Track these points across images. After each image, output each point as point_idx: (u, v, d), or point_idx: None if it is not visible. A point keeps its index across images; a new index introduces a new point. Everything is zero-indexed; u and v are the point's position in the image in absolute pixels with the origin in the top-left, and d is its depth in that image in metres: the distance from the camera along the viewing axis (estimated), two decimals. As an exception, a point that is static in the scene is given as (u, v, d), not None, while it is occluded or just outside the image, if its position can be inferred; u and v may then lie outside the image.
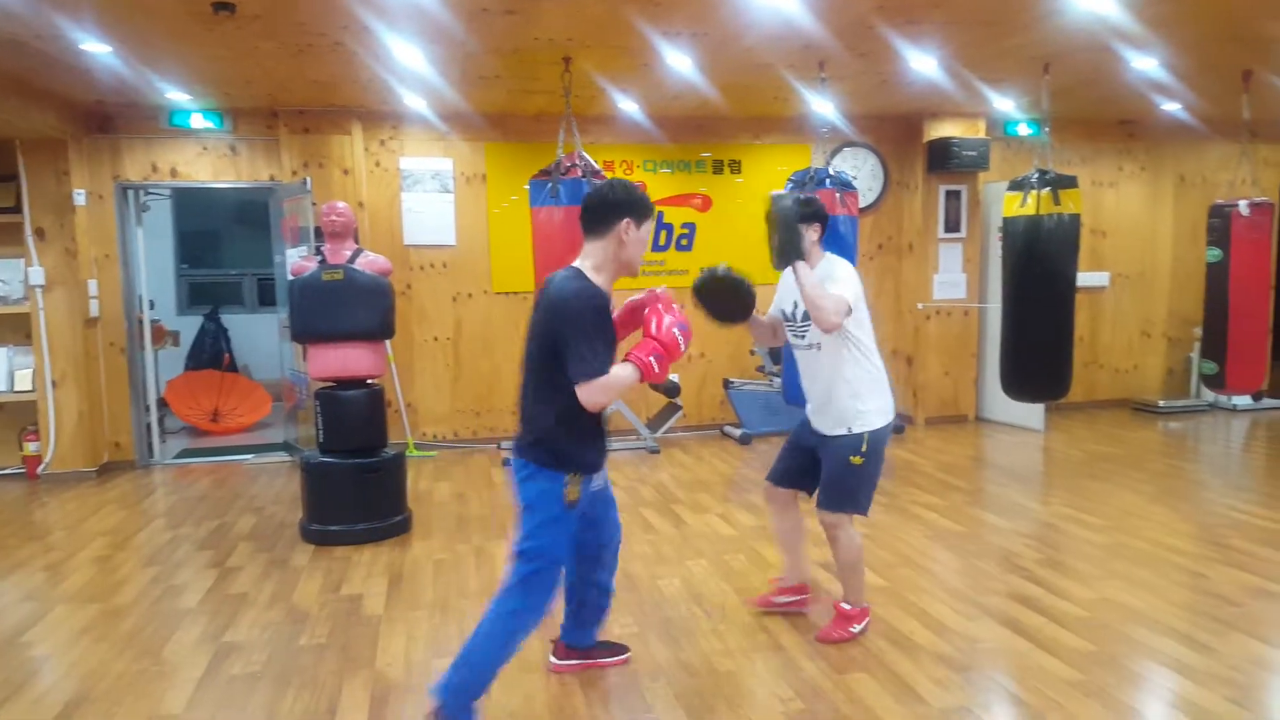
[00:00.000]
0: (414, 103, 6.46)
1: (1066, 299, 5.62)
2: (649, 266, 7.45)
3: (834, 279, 3.24)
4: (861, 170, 7.70)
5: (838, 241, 5.36)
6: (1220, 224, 6.00)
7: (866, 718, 2.85)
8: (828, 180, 5.35)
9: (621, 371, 2.64)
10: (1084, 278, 8.15)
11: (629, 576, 4.17)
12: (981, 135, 7.42)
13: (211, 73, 5.47)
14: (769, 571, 4.19)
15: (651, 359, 2.64)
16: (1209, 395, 8.17)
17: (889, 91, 6.42)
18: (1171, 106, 7.20)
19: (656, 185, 7.38)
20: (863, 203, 7.69)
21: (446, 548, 4.66)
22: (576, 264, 2.76)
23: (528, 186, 5.42)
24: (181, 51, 4.97)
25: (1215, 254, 6.11)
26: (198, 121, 6.55)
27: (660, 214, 7.42)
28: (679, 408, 7.26)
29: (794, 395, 5.75)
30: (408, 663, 3.32)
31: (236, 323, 9.81)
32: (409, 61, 5.18)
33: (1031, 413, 7.39)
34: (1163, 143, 8.16)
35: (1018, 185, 5.66)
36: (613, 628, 3.57)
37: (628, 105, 6.71)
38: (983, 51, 5.26)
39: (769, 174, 7.42)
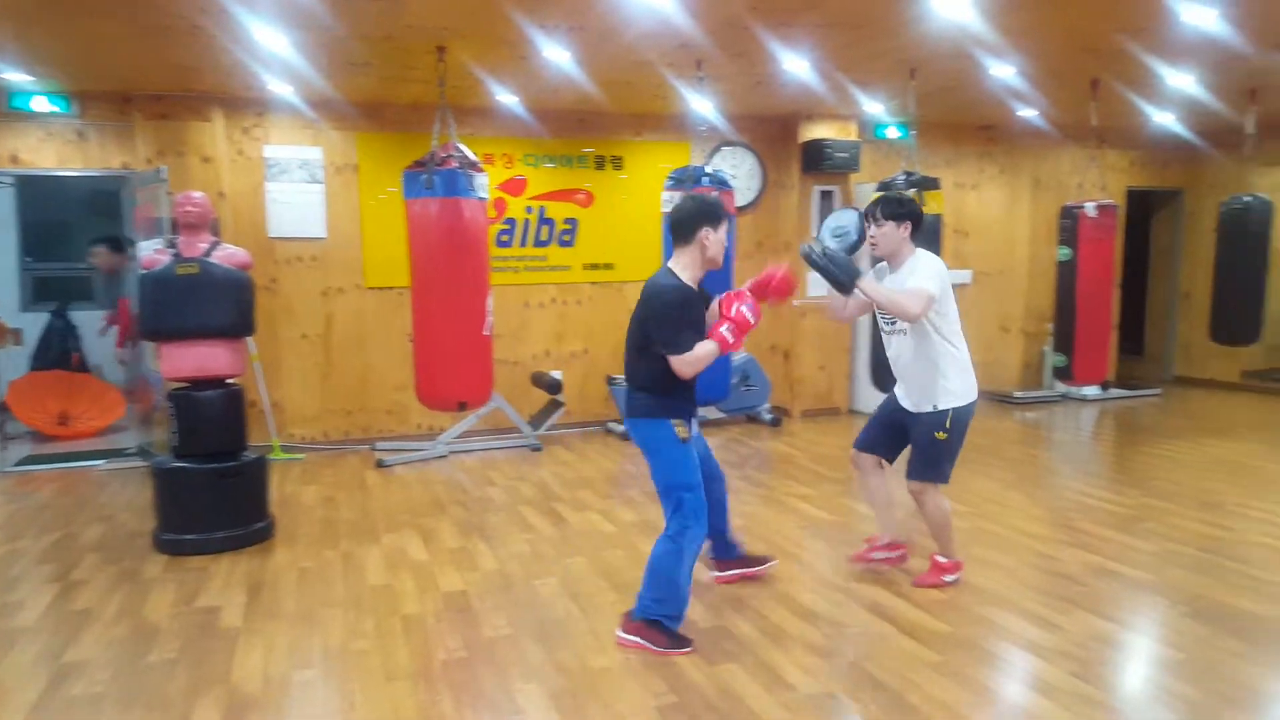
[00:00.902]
0: (280, 89, 6.19)
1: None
2: (531, 262, 7.39)
3: (915, 273, 3.66)
4: (740, 169, 7.82)
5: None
6: (1070, 225, 6.37)
7: (736, 708, 2.89)
8: (705, 178, 5.41)
9: (703, 346, 3.23)
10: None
11: (504, 577, 4.11)
12: (853, 137, 7.65)
13: (54, 53, 5.10)
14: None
15: (725, 332, 3.23)
16: (1061, 386, 8.68)
17: (765, 92, 6.54)
18: (1028, 113, 7.60)
19: (538, 180, 7.31)
20: (742, 201, 7.84)
21: (312, 554, 4.48)
22: (670, 265, 3.37)
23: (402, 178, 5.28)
24: (18, 29, 4.60)
25: (1065, 253, 6.49)
26: (40, 105, 6.09)
27: (542, 209, 7.36)
28: (561, 404, 7.21)
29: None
30: (265, 677, 3.17)
31: (88, 320, 9.18)
32: (273, 47, 4.96)
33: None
34: (1020, 147, 8.61)
35: (885, 187, 5.85)
36: (483, 629, 3.51)
37: (507, 98, 6.61)
38: (853, 55, 5.41)
39: (651, 170, 7.45)
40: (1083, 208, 6.34)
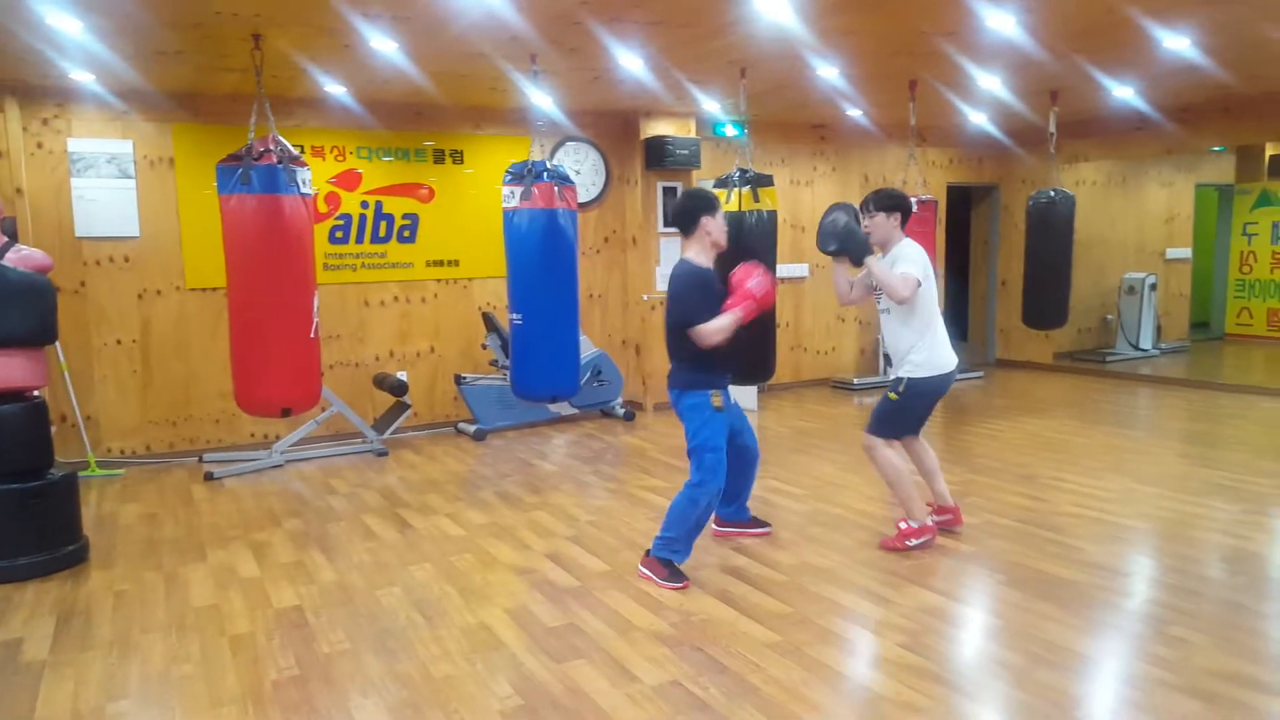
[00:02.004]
0: (82, 78, 5.71)
1: (769, 288, 6.03)
2: (369, 259, 7.14)
3: (904, 259, 4.10)
4: (584, 165, 7.82)
5: (559, 235, 5.41)
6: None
7: (582, 704, 2.87)
8: (545, 173, 5.35)
9: (720, 319, 3.75)
10: (787, 269, 8.86)
11: (344, 589, 3.95)
12: (692, 135, 7.79)
13: None
14: (495, 570, 4.14)
15: (740, 307, 3.77)
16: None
17: (604, 88, 6.56)
18: (855, 112, 7.95)
19: (373, 174, 7.07)
20: (587, 197, 7.84)
21: (131, 577, 4.17)
22: (684, 255, 3.93)
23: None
24: None
25: (892, 245, 6.80)
26: None
27: (379, 204, 7.12)
28: (407, 406, 7.00)
29: (523, 388, 5.75)
30: (74, 712, 2.92)
31: None
32: (69, 32, 4.56)
33: (746, 394, 7.88)
34: (850, 146, 9.00)
35: (722, 183, 5.98)
36: (321, 646, 3.36)
37: (335, 89, 6.34)
38: (685, 53, 5.49)
39: (495, 165, 7.33)
40: (906, 202, 6.66)
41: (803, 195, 8.89)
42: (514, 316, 5.53)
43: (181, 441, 6.55)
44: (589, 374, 7.45)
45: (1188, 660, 3.01)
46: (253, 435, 6.76)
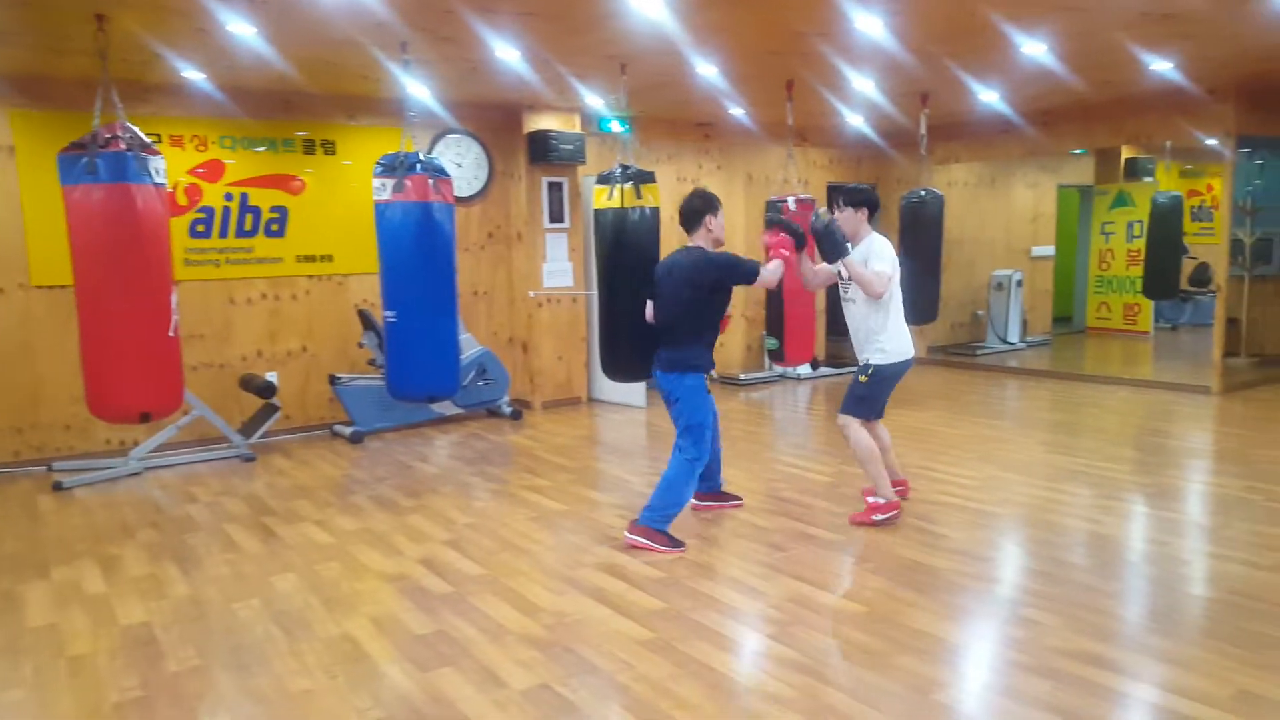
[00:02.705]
0: (-97, 55, 5.24)
1: (651, 285, 6.01)
2: (235, 254, 6.80)
3: (875, 254, 4.37)
4: (466, 158, 7.65)
5: (434, 229, 5.27)
6: (774, 217, 6.78)
7: (447, 713, 2.79)
8: (418, 165, 5.20)
9: (774, 264, 4.36)
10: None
11: (198, 603, 3.73)
12: (577, 130, 7.73)
13: None
14: (364, 579, 3.99)
15: (780, 259, 4.38)
16: (777, 368, 9.30)
17: (483, 80, 6.42)
18: (738, 111, 8.04)
19: (239, 165, 6.73)
20: (470, 190, 7.69)
21: (-42, 597, 3.84)
22: (690, 246, 4.43)
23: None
24: None
25: (772, 242, 6.90)
26: None
27: (244, 196, 6.79)
28: (276, 408, 6.70)
29: (399, 389, 5.57)
30: (-123, 750, 2.66)
31: None
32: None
33: (634, 391, 7.88)
34: (734, 144, 9.10)
35: (604, 179, 5.94)
36: (169, 664, 3.16)
37: (194, 74, 6.01)
38: (562, 46, 5.43)
39: (368, 157, 7.03)
40: (785, 201, 6.79)
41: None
42: (388, 314, 5.36)
43: (28, 449, 6.10)
44: (473, 373, 7.30)
45: (1039, 641, 3.13)
46: (108, 442, 6.34)
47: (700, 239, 4.40)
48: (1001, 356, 10.20)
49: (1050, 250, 11.47)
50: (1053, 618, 3.31)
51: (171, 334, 4.69)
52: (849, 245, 4.41)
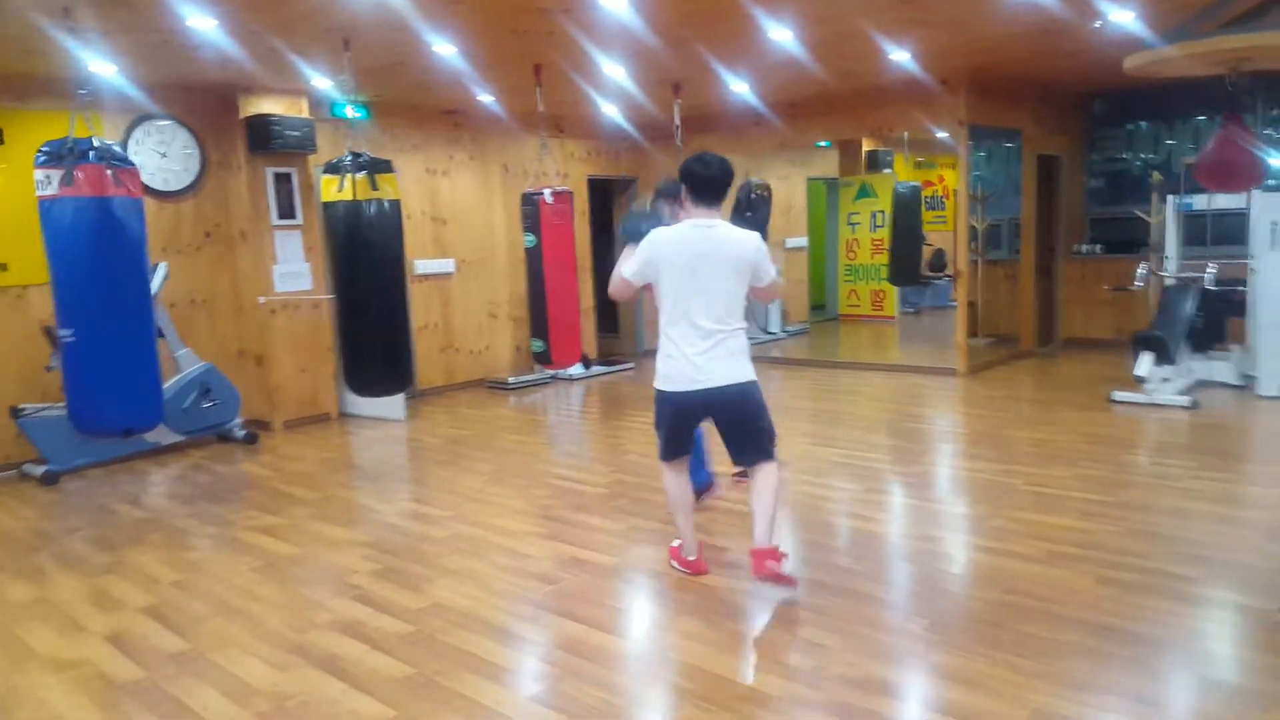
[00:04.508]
0: None
1: (395, 288, 5.42)
2: None
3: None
4: (171, 147, 6.61)
5: (116, 229, 4.39)
6: (531, 211, 6.37)
7: None
8: (92, 153, 4.30)
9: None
10: (432, 265, 8.27)
11: None
12: (305, 115, 6.90)
13: None
14: (26, 669, 3.15)
15: None
16: (548, 370, 8.90)
17: (183, 56, 5.50)
18: (487, 98, 7.52)
19: None
20: (179, 184, 6.69)
21: None
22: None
23: None
24: None
25: (530, 239, 6.49)
26: None
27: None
28: (-67, 454, 5.46)
29: (85, 422, 4.62)
30: None
31: None
32: None
33: (392, 404, 7.19)
34: (487, 133, 8.57)
35: (333, 169, 5.26)
36: None
37: None
38: (267, 16, 4.69)
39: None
40: (541, 194, 6.37)
41: (441, 185, 8.31)
42: (63, 332, 4.43)
43: None
44: (194, 393, 6.33)
45: (823, 669, 2.89)
46: None
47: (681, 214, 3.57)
48: (765, 347, 10.37)
49: (804, 241, 11.85)
50: (834, 637, 3.09)
51: None
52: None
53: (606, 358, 9.62)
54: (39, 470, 5.80)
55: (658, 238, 3.42)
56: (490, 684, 2.91)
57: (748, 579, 3.55)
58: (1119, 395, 6.63)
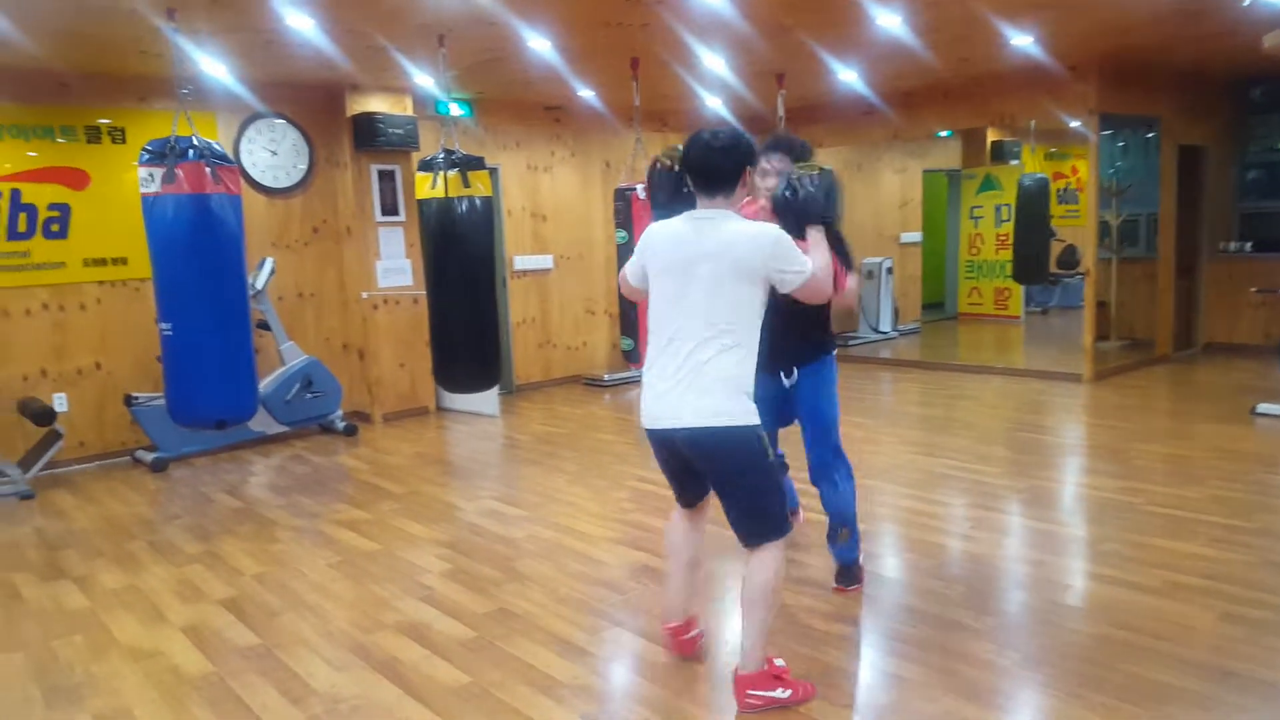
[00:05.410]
0: None
1: (485, 284, 5.38)
2: (8, 260, 5.82)
3: None
4: (281, 145, 6.80)
5: (213, 225, 4.49)
6: (624, 207, 6.22)
7: None
8: (192, 151, 4.41)
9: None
10: (531, 261, 8.26)
11: None
12: (409, 113, 6.98)
13: None
14: (107, 658, 3.22)
15: None
16: (636, 369, 8.76)
17: (288, 55, 5.62)
18: (587, 93, 7.43)
19: (8, 157, 5.76)
20: (288, 181, 6.88)
21: None
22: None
23: None
24: None
25: (622, 235, 6.34)
26: None
27: (16, 193, 5.81)
28: (59, 436, 5.77)
29: (182, 413, 4.76)
30: None
31: None
32: None
33: (487, 399, 7.21)
34: (588, 130, 8.49)
35: (427, 166, 5.25)
36: None
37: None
38: (362, 13, 4.70)
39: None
40: (634, 190, 6.22)
41: (542, 182, 8.29)
42: (163, 326, 4.56)
43: None
44: (297, 385, 6.49)
45: (900, 704, 2.64)
46: None
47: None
48: (874, 346, 9.96)
49: (919, 236, 11.33)
50: (916, 669, 2.83)
51: None
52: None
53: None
54: (149, 457, 6.06)
55: (651, 231, 2.77)
56: (544, 699, 2.79)
57: (826, 599, 3.31)
58: (1264, 408, 5.99)
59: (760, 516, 2.63)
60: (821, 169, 2.88)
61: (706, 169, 2.64)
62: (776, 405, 3.39)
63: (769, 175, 3.24)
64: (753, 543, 2.64)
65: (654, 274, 2.71)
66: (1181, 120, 8.15)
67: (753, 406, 2.58)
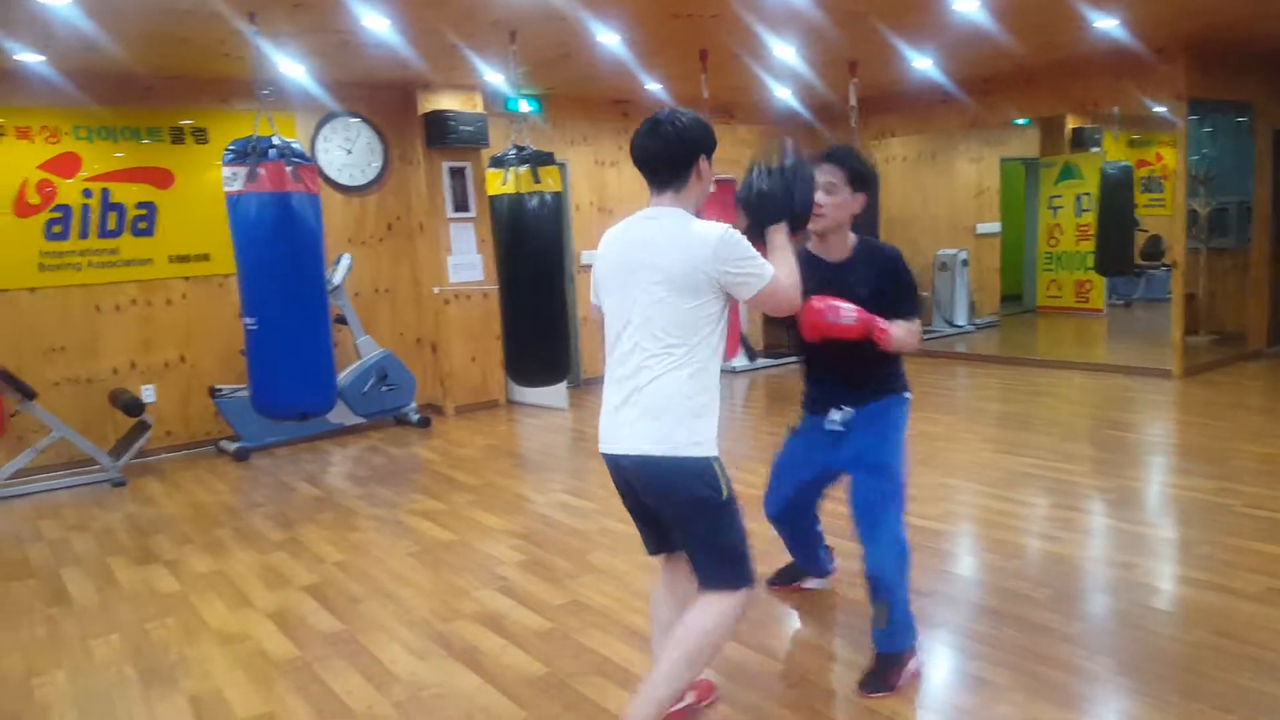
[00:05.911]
0: None
1: (554, 279, 5.42)
2: (98, 257, 6.06)
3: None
4: (356, 143, 6.94)
5: (294, 222, 4.59)
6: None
7: None
8: (273, 150, 4.52)
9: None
10: (594, 256, 8.29)
11: (-26, 687, 3.05)
12: (479, 110, 7.05)
13: None
14: (198, 641, 3.33)
15: None
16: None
17: (363, 55, 5.72)
18: (654, 86, 7.41)
19: (96, 157, 6.00)
20: (363, 179, 7.01)
21: None
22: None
23: None
24: None
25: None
26: None
27: (105, 192, 6.04)
28: (147, 426, 5.99)
29: (264, 405, 4.89)
30: None
31: None
32: None
33: (556, 392, 7.26)
34: (658, 122, 8.46)
35: (497, 162, 5.32)
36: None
37: (29, 57, 5.25)
38: (435, 12, 4.76)
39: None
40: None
41: (609, 177, 8.31)
42: (247, 321, 4.69)
43: None
44: (373, 378, 6.62)
45: (986, 709, 2.57)
46: (-52, 473, 5.59)
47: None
48: (949, 341, 9.75)
49: (997, 227, 11.04)
50: (1004, 674, 2.76)
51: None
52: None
53: (772, 349, 9.32)
54: (233, 447, 6.26)
55: (604, 237, 2.45)
56: (620, 690, 2.79)
57: (915, 604, 3.25)
58: (1372, 406, 5.69)
59: (717, 558, 2.30)
60: (792, 159, 2.47)
61: (647, 158, 2.28)
62: (821, 453, 2.93)
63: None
64: (707, 586, 2.32)
65: (601, 283, 2.39)
66: (1277, 103, 7.77)
67: (709, 435, 2.25)
